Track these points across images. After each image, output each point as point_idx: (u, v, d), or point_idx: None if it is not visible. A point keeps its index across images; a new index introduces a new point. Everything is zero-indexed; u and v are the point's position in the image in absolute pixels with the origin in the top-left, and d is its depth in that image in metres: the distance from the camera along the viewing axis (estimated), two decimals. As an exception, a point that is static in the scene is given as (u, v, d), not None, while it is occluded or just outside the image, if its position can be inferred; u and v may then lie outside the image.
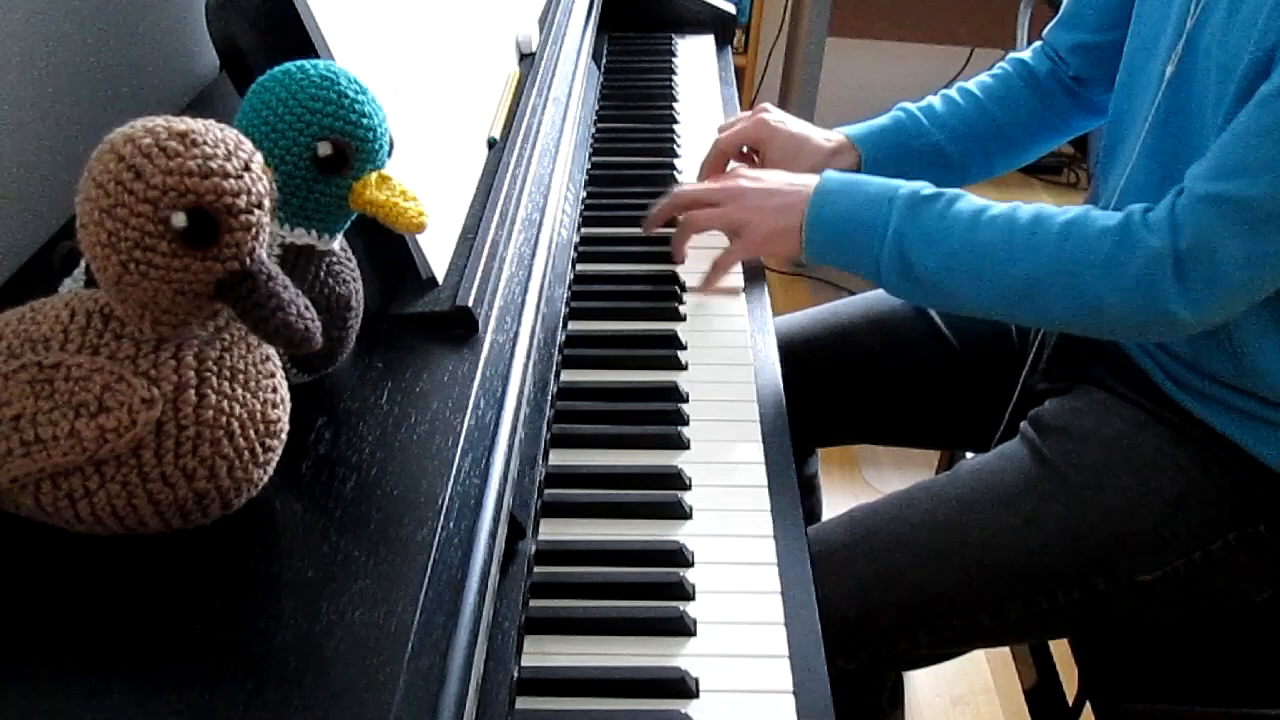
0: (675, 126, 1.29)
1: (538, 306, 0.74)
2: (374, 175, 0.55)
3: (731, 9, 1.57)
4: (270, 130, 0.53)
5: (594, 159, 1.21)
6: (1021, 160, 1.17)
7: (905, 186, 0.91)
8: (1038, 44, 1.15)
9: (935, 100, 1.15)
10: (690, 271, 1.02)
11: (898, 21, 2.76)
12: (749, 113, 1.14)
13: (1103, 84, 1.09)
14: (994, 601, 0.90)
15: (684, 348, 0.92)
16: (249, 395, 0.48)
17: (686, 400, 0.87)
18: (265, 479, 0.51)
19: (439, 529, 0.50)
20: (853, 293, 1.22)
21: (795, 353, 1.10)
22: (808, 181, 0.94)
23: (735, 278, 1.02)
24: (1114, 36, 1.03)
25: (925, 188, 0.91)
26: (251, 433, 0.48)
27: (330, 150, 0.53)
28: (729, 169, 1.09)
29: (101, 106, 0.80)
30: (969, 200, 0.90)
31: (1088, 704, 0.99)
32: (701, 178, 1.12)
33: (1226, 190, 0.78)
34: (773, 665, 0.65)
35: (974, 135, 1.13)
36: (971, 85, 1.16)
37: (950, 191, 0.90)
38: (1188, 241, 0.80)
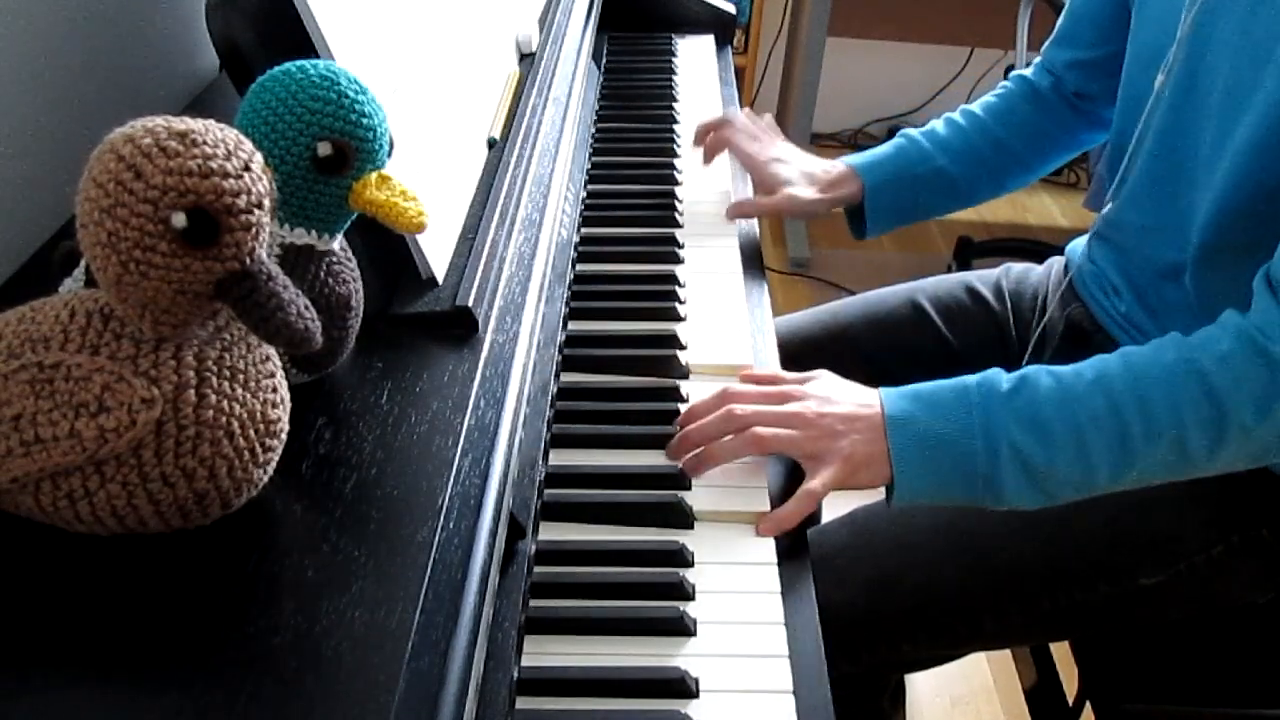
0: (675, 126, 1.29)
1: (538, 306, 0.74)
2: (374, 175, 0.55)
3: (731, 9, 1.57)
4: (270, 130, 0.53)
5: (594, 159, 1.21)
6: (1031, 177, 1.17)
7: (971, 384, 0.79)
8: (1038, 60, 1.15)
9: (938, 124, 1.15)
10: (692, 272, 1.02)
11: (898, 21, 2.76)
12: (762, 136, 1.16)
13: (1104, 99, 1.09)
14: (995, 604, 0.90)
15: (684, 348, 0.92)
16: (249, 395, 0.48)
17: (686, 400, 0.86)
18: (265, 479, 0.51)
19: (439, 529, 0.50)
20: (853, 293, 1.22)
21: (795, 353, 1.10)
22: (872, 399, 0.81)
23: (736, 283, 1.02)
24: (1110, 51, 1.03)
25: (993, 379, 0.79)
26: (251, 433, 0.48)
27: (330, 150, 0.53)
28: (772, 376, 0.87)
29: (101, 106, 0.80)
30: (1043, 372, 0.79)
31: (1088, 704, 0.99)
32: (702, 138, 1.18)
33: None
34: (773, 665, 0.65)
35: (978, 156, 1.13)
36: (975, 106, 1.16)
37: (1014, 374, 0.80)
38: None
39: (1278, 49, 0.78)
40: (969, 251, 2.51)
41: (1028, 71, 1.15)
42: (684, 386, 0.88)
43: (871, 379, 1.13)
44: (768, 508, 0.76)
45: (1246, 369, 0.74)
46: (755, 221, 1.14)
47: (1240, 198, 0.83)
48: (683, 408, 0.85)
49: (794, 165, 1.13)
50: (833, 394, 0.81)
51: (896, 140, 1.14)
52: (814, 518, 1.29)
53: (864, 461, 0.78)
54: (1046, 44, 1.14)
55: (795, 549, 0.74)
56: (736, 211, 1.12)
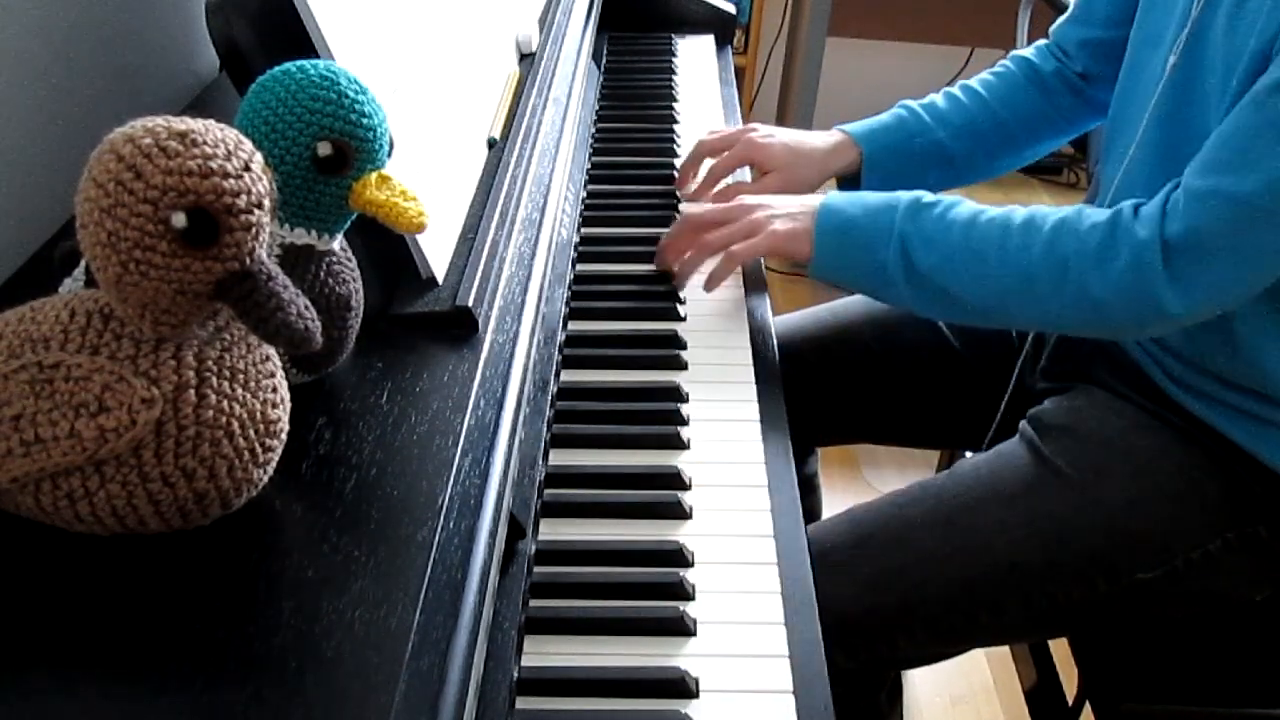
0: (675, 126, 1.29)
1: (538, 306, 0.74)
2: (374, 175, 0.55)
3: (731, 9, 1.57)
4: (270, 130, 0.53)
5: (594, 159, 1.21)
6: (1023, 160, 1.17)
7: (907, 194, 0.93)
8: (1042, 42, 1.15)
9: (938, 98, 1.15)
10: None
11: (898, 21, 2.76)
12: (734, 130, 1.13)
13: (1108, 81, 1.09)
14: (993, 600, 0.90)
15: (684, 348, 0.92)
16: (249, 395, 0.48)
17: (686, 400, 0.86)
18: (265, 479, 0.51)
19: (439, 529, 0.50)
20: (852, 293, 1.22)
21: (795, 352, 1.10)
22: (813, 200, 0.96)
23: (736, 283, 1.03)
24: (1123, 33, 1.04)
25: (925, 195, 0.93)
26: (251, 433, 0.48)
27: (330, 150, 0.53)
28: (726, 185, 1.12)
29: (101, 106, 0.80)
30: (967, 204, 0.92)
31: (1088, 704, 0.99)
32: (685, 180, 1.15)
33: (1217, 185, 0.79)
34: (773, 665, 0.65)
35: (977, 133, 1.13)
36: (974, 83, 1.16)
37: (950, 197, 0.93)
38: (1176, 233, 0.81)
39: (1260, 19, 0.79)
40: (969, 251, 2.51)
41: (1029, 53, 1.15)
42: (684, 386, 0.88)
43: (872, 378, 1.13)
44: (767, 510, 0.76)
45: (1106, 246, 0.84)
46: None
47: None
48: (683, 408, 0.85)
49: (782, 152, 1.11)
50: (778, 198, 0.98)
51: (896, 110, 1.14)
52: (813, 516, 1.30)
53: (788, 236, 0.94)
54: (1058, 23, 1.14)
55: (795, 548, 0.74)
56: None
